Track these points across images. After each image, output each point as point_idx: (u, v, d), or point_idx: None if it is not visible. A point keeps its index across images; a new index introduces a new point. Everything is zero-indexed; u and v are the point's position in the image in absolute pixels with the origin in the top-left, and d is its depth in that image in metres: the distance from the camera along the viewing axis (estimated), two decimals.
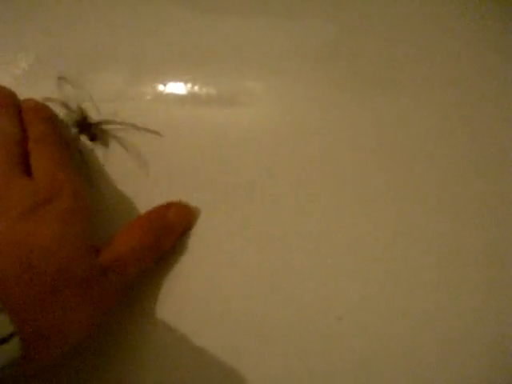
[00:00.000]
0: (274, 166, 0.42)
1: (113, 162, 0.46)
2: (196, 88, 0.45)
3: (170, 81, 0.45)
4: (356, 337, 0.39)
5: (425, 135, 0.42)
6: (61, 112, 0.45)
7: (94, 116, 0.45)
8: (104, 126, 0.45)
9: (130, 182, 0.45)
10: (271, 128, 0.43)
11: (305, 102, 0.44)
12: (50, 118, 0.43)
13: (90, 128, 0.45)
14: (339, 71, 0.43)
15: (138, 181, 0.45)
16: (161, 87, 0.45)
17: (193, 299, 0.42)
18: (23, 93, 0.44)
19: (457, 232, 0.40)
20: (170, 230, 0.41)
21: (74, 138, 0.45)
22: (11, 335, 0.30)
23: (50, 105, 0.45)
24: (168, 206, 0.41)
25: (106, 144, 0.46)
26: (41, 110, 0.43)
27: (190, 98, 0.45)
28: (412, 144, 0.42)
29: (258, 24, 0.46)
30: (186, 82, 0.45)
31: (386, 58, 0.43)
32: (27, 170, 0.38)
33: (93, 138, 0.45)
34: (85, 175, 0.45)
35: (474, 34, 0.43)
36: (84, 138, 0.45)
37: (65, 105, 0.45)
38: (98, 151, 0.46)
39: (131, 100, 0.46)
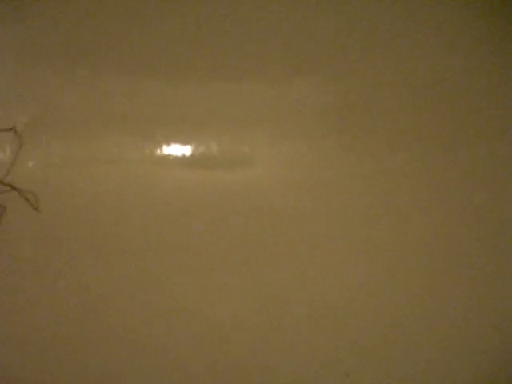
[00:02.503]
0: (278, 225, 0.43)
1: None
2: (200, 150, 0.45)
3: (173, 144, 0.45)
4: None
5: (425, 191, 0.44)
6: None
7: None
8: None
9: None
10: (274, 188, 0.44)
11: (306, 160, 0.45)
12: None
13: None
14: (338, 133, 0.45)
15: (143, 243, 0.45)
16: (164, 150, 0.45)
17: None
18: None
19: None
20: None
21: None
22: None
23: None
24: None
25: None
26: None
27: (194, 161, 0.45)
28: (412, 199, 0.44)
29: (257, 86, 0.46)
30: (189, 144, 0.45)
31: (385, 116, 0.45)
32: None
33: None
34: None
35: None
36: None
37: None
38: None
39: (134, 162, 0.45)
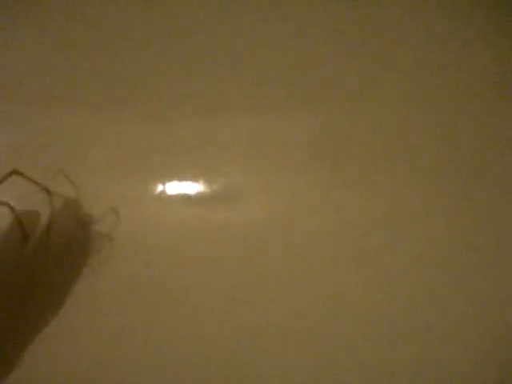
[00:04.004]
0: (269, 259, 0.44)
1: None
2: (193, 188, 0.46)
3: (169, 182, 0.46)
4: None
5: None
6: None
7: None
8: None
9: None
10: (261, 220, 0.45)
11: (294, 194, 0.46)
12: None
13: None
14: (325, 165, 0.45)
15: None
16: (160, 188, 0.46)
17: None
18: None
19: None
20: None
21: None
22: None
23: None
24: None
25: None
26: None
27: (189, 198, 0.46)
28: (402, 228, 0.44)
29: (243, 122, 0.46)
30: (184, 182, 0.46)
31: (369, 150, 0.45)
32: None
33: None
34: None
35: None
36: None
37: None
38: None
39: (132, 200, 0.46)
